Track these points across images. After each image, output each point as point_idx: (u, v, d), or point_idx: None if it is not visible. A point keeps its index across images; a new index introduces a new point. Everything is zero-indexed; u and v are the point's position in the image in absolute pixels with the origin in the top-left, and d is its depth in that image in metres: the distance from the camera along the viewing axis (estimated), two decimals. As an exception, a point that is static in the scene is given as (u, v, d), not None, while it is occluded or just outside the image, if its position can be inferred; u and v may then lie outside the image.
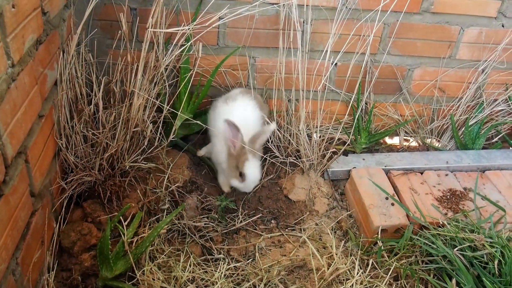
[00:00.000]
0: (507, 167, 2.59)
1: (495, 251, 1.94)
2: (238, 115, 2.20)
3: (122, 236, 1.77)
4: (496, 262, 1.91)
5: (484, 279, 1.88)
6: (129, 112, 2.08)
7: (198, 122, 2.31)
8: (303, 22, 2.45)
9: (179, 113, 2.24)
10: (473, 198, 2.32)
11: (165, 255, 1.95)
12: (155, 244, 1.98)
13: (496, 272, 1.90)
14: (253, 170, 2.18)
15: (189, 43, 2.23)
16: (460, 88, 2.77)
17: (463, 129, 2.74)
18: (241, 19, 2.40)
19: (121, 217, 1.83)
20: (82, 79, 2.04)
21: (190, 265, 1.92)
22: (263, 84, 2.64)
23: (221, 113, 2.29)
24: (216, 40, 2.52)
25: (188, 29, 2.12)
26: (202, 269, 1.93)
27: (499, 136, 2.82)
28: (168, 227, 2.08)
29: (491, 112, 2.75)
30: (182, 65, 2.39)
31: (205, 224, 2.17)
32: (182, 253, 1.98)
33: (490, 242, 1.99)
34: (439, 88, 2.76)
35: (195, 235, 2.11)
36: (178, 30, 2.12)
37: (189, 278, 1.87)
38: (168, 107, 2.18)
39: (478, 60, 2.69)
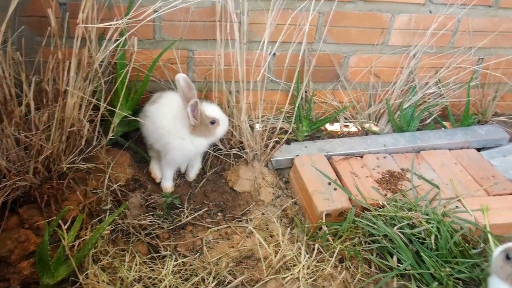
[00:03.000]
0: (440, 147, 2.71)
1: (432, 227, 2.04)
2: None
3: (62, 240, 1.71)
4: (433, 237, 2.01)
5: (422, 254, 1.98)
6: (64, 111, 2.00)
7: (137, 118, 2.26)
8: (240, 13, 2.43)
9: (117, 110, 2.18)
10: (410, 178, 2.42)
11: (109, 257, 1.89)
12: (99, 246, 1.91)
13: (433, 247, 2.00)
14: (215, 109, 2.25)
15: (123, 38, 2.16)
16: (394, 73, 2.86)
17: (399, 112, 2.84)
18: (177, 11, 2.35)
19: (60, 221, 1.75)
20: (10, 79, 1.93)
21: (136, 264, 1.87)
22: (203, 77, 2.61)
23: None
24: (152, 34, 2.46)
25: (121, 23, 2.05)
26: (149, 267, 1.90)
27: (432, 118, 2.94)
28: (111, 227, 2.02)
29: (423, 95, 2.87)
30: (118, 60, 2.32)
31: (150, 222, 2.13)
32: (127, 253, 1.93)
33: (427, 218, 2.09)
34: (374, 74, 2.84)
35: (140, 233, 2.06)
36: (111, 24, 2.04)
37: (135, 278, 1.83)
38: (105, 105, 2.11)
39: (409, 45, 2.79)
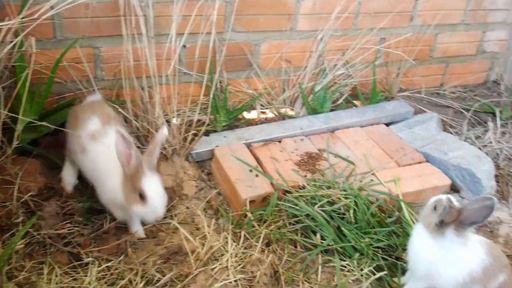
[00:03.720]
0: (352, 125, 2.83)
1: (350, 202, 2.12)
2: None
3: (-30, 261, 1.58)
4: (351, 211, 2.10)
5: (343, 228, 2.06)
6: (-42, 122, 1.84)
7: (44, 123, 2.13)
8: (145, 6, 2.36)
9: (20, 117, 2.04)
10: (327, 157, 2.50)
11: (26, 271, 1.77)
12: (13, 262, 1.78)
13: (353, 220, 2.09)
14: (154, 187, 1.84)
15: (18, 39, 2.01)
16: (304, 58, 2.93)
17: (312, 95, 2.92)
18: (77, 8, 2.24)
19: (-35, 241, 1.62)
20: None
21: (56, 276, 1.77)
22: (112, 75, 2.51)
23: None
24: (52, 33, 2.33)
25: (14, 23, 1.91)
26: (71, 277, 1.81)
27: (343, 98, 3.06)
28: (26, 240, 1.89)
29: (333, 76, 2.97)
30: (16, 63, 2.16)
31: (69, 229, 2.02)
32: (45, 266, 1.82)
33: (345, 194, 2.17)
34: (285, 59, 2.89)
35: (59, 243, 1.96)
36: (3, 25, 1.90)
37: (57, 290, 1.74)
38: (6, 112, 1.96)
39: (316, 30, 2.86)
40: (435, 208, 1.78)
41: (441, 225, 1.74)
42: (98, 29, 2.40)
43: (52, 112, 2.36)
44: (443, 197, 1.77)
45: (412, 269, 1.88)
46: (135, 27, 2.34)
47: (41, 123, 2.12)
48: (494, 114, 3.16)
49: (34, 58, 2.13)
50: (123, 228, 2.11)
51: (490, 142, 2.87)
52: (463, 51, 3.40)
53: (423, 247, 1.80)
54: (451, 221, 1.72)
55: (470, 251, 1.77)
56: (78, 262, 1.89)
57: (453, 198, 1.76)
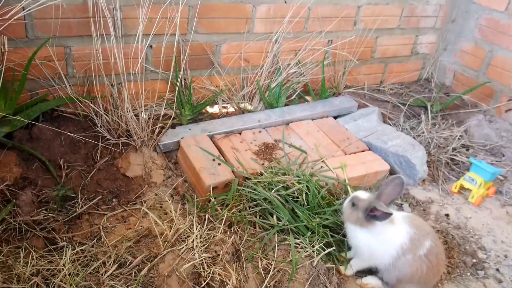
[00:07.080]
0: (304, 118, 2.88)
1: (302, 186, 2.17)
2: None
3: None
4: (304, 194, 2.14)
5: (296, 210, 2.11)
6: None
7: (18, 118, 2.06)
8: (113, 9, 2.31)
9: (-6, 111, 1.97)
10: (282, 147, 2.54)
11: (3, 255, 1.72)
12: (-10, 247, 1.74)
13: (305, 203, 2.14)
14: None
15: (-9, 38, 1.94)
16: (261, 57, 2.95)
17: (268, 91, 2.95)
18: (48, 9, 2.17)
19: None
20: None
21: (32, 259, 1.73)
22: (83, 72, 2.45)
23: None
24: (24, 33, 2.24)
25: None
26: (47, 260, 1.77)
27: (296, 94, 3.10)
28: (2, 227, 1.84)
29: (287, 74, 3.00)
30: (-11, 61, 2.08)
31: (44, 216, 1.97)
32: (22, 250, 1.77)
33: (298, 179, 2.22)
34: (244, 59, 2.90)
35: (35, 229, 1.91)
36: (-25, 24, 1.82)
37: (32, 273, 1.69)
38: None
39: (271, 32, 2.89)
40: (353, 204, 1.87)
41: (369, 216, 1.83)
42: (69, 30, 2.33)
43: (26, 107, 2.29)
44: (357, 193, 1.89)
45: (357, 253, 1.96)
46: (104, 28, 2.29)
47: (15, 117, 2.05)
48: (426, 108, 3.30)
49: (6, 56, 2.05)
50: (96, 214, 2.08)
51: (423, 132, 3.00)
52: (399, 52, 3.52)
53: (361, 239, 1.89)
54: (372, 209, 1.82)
55: (397, 228, 1.86)
56: (53, 246, 1.86)
57: (362, 192, 1.89)
